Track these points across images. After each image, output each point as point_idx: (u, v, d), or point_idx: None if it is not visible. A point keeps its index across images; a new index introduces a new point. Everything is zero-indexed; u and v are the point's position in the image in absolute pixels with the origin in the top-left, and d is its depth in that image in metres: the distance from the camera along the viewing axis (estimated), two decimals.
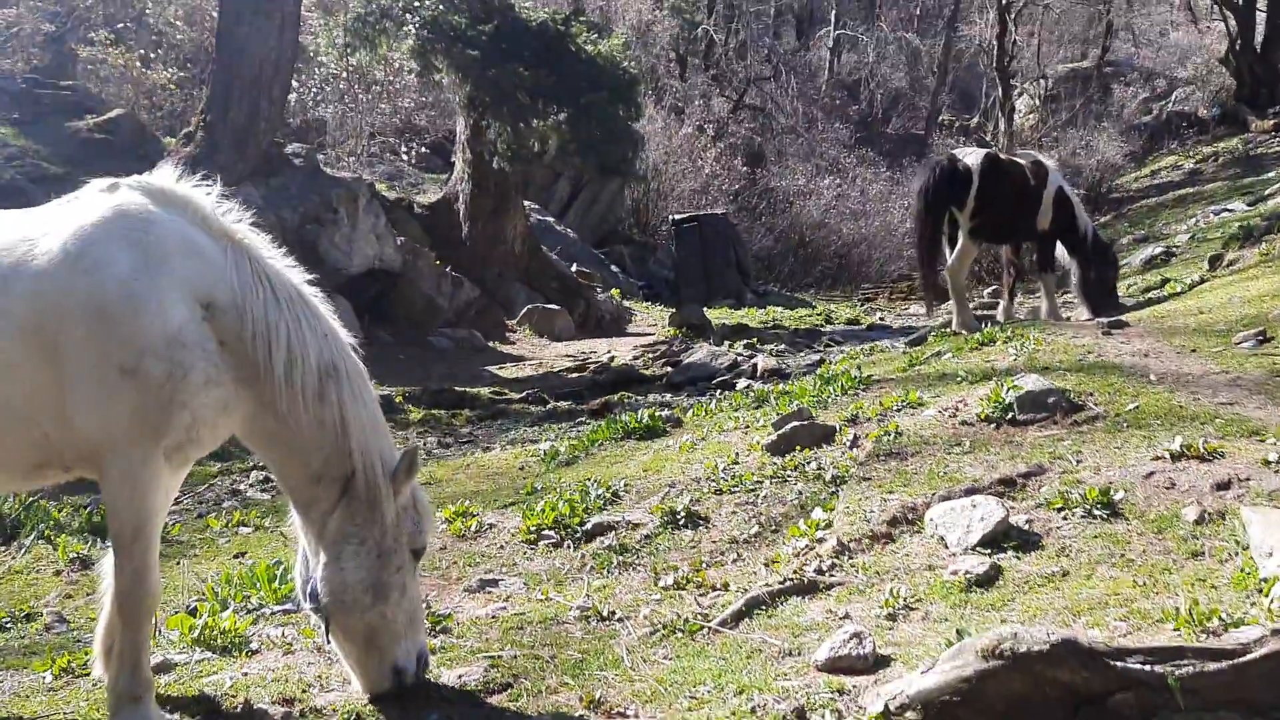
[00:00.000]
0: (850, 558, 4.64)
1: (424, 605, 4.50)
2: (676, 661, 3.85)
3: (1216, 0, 33.40)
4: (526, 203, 22.55)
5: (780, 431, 6.57)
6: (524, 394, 13.84)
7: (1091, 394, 6.23)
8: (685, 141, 31.14)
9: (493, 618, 4.55)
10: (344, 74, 24.20)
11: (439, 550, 5.58)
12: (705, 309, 20.74)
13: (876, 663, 3.59)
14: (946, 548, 4.55)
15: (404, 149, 26.12)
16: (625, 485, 6.42)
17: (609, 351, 17.64)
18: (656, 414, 8.48)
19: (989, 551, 4.41)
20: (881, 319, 22.65)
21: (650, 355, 16.87)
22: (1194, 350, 7.57)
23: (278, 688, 3.68)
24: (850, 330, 20.19)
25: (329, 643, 3.67)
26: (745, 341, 17.36)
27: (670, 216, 27.69)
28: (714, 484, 6.12)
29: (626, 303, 22.67)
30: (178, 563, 6.23)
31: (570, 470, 7.41)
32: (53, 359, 3.34)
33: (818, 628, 4.00)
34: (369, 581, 3.55)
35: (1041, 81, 39.74)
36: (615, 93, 18.96)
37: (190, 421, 3.40)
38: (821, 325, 21.10)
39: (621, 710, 3.52)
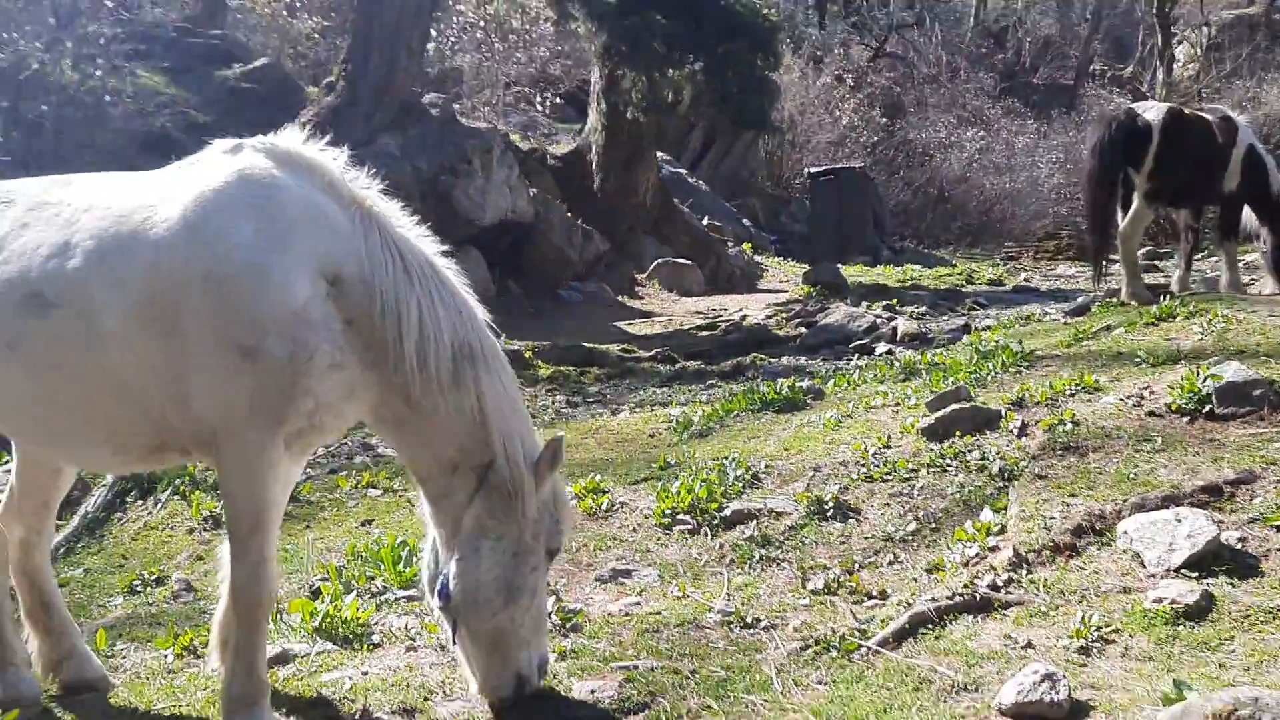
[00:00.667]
0: (1029, 572, 4.09)
1: (553, 597, 4.21)
2: (832, 688, 3.43)
3: None
4: (659, 154, 22.07)
5: (937, 414, 6.03)
6: (653, 352, 13.51)
7: None
8: (822, 92, 29.99)
9: (626, 615, 4.22)
10: (481, 23, 24.04)
11: None
12: (840, 266, 19.97)
13: (1072, 710, 3.09)
14: (1144, 567, 3.97)
15: (539, 99, 25.88)
16: (766, 466, 6.01)
17: (740, 309, 17.12)
18: (796, 384, 8.00)
19: (1197, 575, 3.81)
20: (1027, 280, 21.41)
21: (783, 315, 16.25)
22: None
23: (399, 694, 3.41)
24: (994, 292, 19.09)
25: (454, 644, 3.39)
26: (884, 302, 16.56)
27: (806, 169, 26.77)
28: (864, 470, 5.66)
29: (758, 258, 22.05)
30: (306, 527, 6.13)
31: (704, 443, 7.03)
32: (169, 335, 3.10)
33: (995, 657, 3.52)
34: (503, 582, 3.25)
35: (1204, 29, 36.84)
36: (754, 41, 18.24)
37: (313, 407, 3.13)
38: (963, 285, 20.04)
39: None
